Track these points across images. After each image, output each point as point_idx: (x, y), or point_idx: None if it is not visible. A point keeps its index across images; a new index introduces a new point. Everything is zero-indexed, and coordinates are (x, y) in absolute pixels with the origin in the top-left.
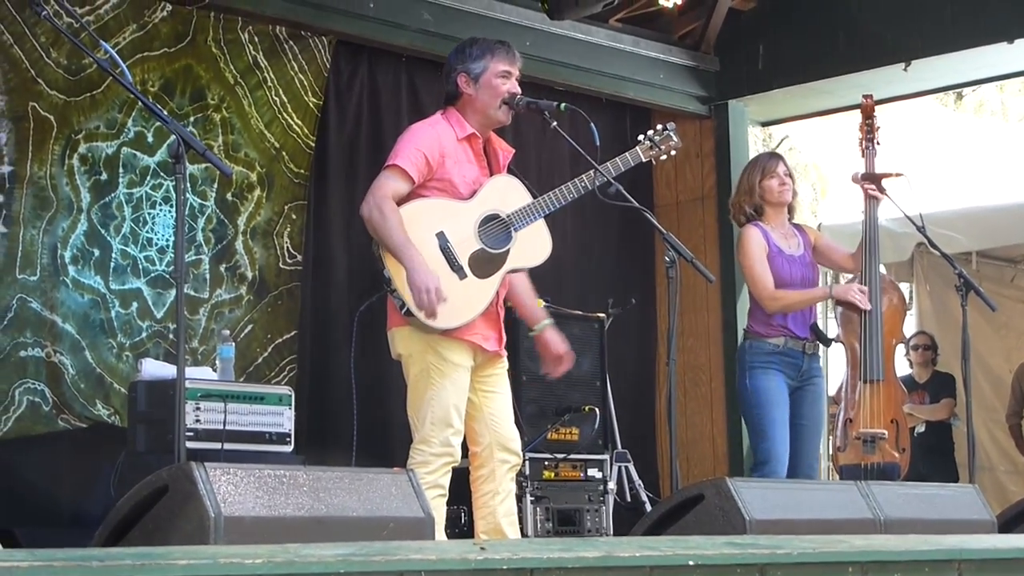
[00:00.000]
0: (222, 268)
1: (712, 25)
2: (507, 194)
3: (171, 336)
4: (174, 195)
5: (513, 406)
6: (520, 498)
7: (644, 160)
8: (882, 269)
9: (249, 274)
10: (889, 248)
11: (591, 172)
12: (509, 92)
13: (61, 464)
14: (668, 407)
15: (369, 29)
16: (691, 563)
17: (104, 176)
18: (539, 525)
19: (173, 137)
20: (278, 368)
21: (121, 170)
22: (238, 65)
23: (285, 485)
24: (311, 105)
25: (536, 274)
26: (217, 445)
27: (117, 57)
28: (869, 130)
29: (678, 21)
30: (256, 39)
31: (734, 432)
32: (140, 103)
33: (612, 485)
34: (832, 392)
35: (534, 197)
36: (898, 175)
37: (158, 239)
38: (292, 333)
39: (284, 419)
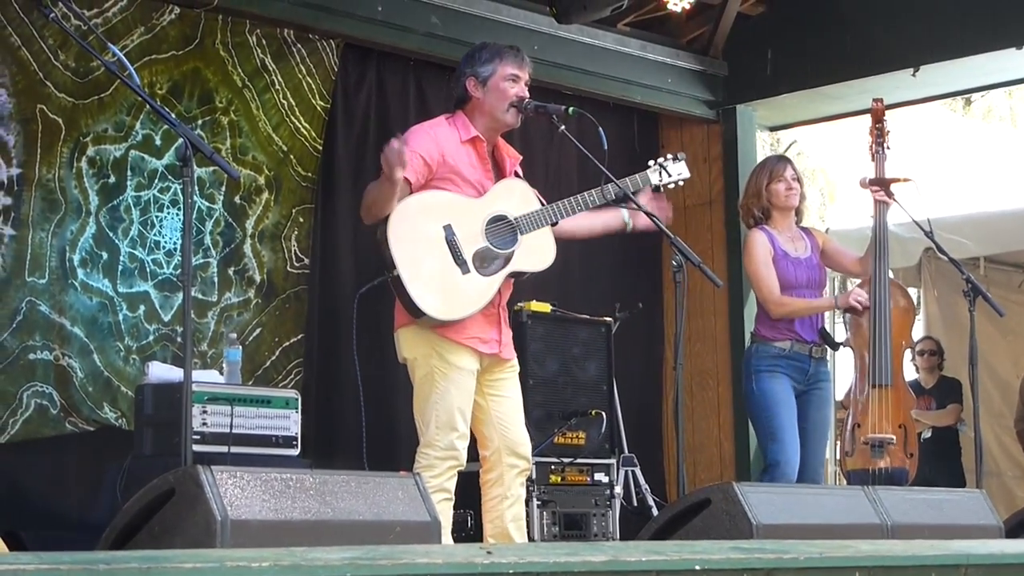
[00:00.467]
0: (230, 271)
1: (720, 29)
2: (516, 197)
3: (179, 339)
4: (182, 198)
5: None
6: (527, 502)
7: (654, 185)
8: (890, 274)
9: (257, 277)
10: (897, 253)
11: (602, 186)
12: (517, 96)
13: (68, 467)
14: (675, 411)
15: (377, 32)
16: (697, 568)
17: (112, 179)
18: (545, 529)
19: (181, 140)
20: (285, 371)
21: (129, 173)
22: (246, 68)
23: (291, 489)
24: (319, 108)
25: (543, 278)
26: (224, 448)
27: (125, 60)
28: (879, 134)
29: (686, 25)
30: (264, 42)
31: (741, 437)
32: (148, 106)
33: (619, 489)
34: (840, 397)
35: (542, 204)
36: (906, 180)
37: (166, 242)
38: (299, 336)
39: (291, 422)
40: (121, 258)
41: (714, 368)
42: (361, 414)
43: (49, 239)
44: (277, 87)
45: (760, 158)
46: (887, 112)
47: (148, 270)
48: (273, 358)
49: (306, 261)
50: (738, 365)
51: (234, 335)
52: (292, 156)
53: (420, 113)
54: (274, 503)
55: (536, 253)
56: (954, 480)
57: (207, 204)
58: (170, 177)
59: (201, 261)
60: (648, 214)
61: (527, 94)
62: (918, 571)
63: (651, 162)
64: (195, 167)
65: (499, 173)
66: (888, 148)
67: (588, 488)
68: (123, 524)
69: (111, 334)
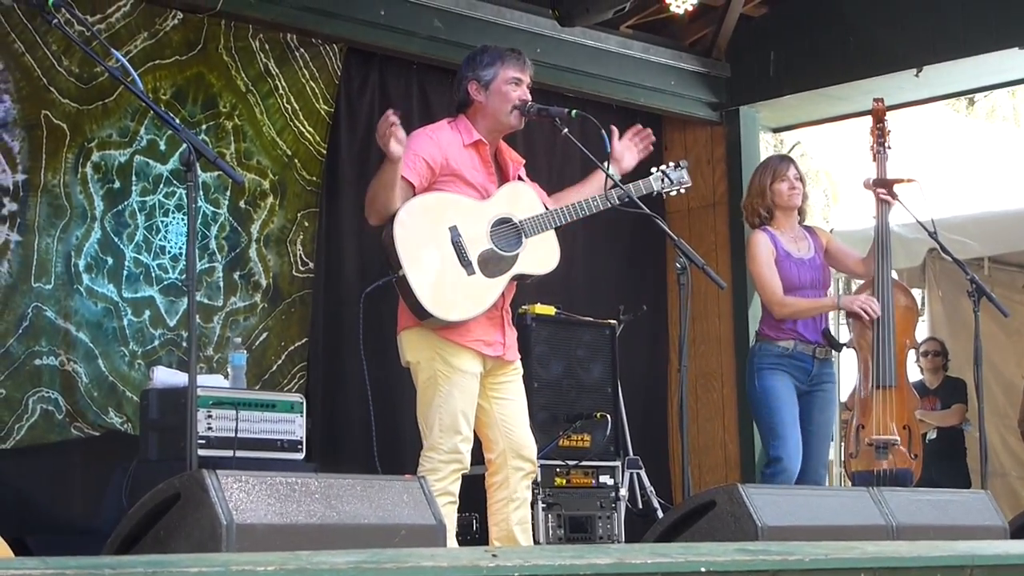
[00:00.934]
0: (236, 276)
1: (723, 31)
2: (521, 201)
3: (184, 344)
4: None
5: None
6: (532, 505)
7: (656, 191)
8: (894, 275)
9: (263, 282)
10: (901, 254)
11: (607, 191)
12: (519, 99)
13: (73, 472)
14: (680, 413)
15: (380, 36)
16: (703, 569)
17: (117, 184)
18: (551, 532)
19: (185, 145)
20: (290, 375)
21: (134, 178)
22: (249, 73)
23: (297, 492)
24: (322, 112)
25: (547, 280)
26: (229, 453)
27: (128, 65)
28: (880, 134)
29: (689, 27)
30: (267, 47)
31: (746, 438)
32: (152, 111)
33: (624, 492)
34: (844, 398)
35: (546, 208)
36: (910, 181)
37: (171, 247)
38: (304, 340)
39: (296, 426)
40: (126, 263)
41: (719, 370)
42: (370, 415)
43: (55, 245)
44: (281, 91)
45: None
46: (889, 112)
47: (153, 275)
48: (279, 362)
49: (311, 265)
50: (742, 367)
51: (239, 339)
52: (296, 160)
53: (423, 117)
54: (279, 507)
55: (540, 256)
56: (959, 481)
57: (212, 209)
58: (175, 182)
59: (207, 266)
60: (651, 215)
61: (529, 97)
62: (923, 572)
63: (654, 169)
64: (199, 172)
65: (502, 176)
66: (889, 148)
67: (593, 491)
68: (128, 529)
69: (116, 339)
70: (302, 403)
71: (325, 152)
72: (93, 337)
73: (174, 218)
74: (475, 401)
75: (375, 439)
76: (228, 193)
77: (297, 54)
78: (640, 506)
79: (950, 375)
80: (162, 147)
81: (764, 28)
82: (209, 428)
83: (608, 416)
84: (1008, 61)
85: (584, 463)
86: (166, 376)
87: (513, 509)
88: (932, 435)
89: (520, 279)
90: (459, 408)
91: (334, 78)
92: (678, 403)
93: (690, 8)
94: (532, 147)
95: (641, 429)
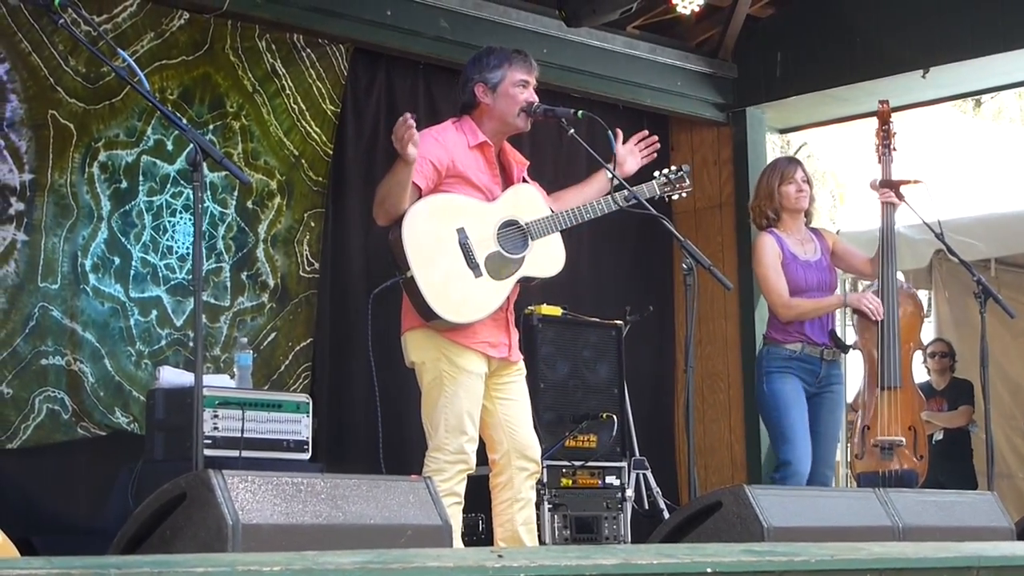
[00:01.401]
0: (243, 276)
1: (730, 32)
2: (527, 203)
3: (191, 344)
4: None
5: (531, 414)
6: (538, 505)
7: (658, 195)
8: (900, 276)
9: (271, 282)
10: (908, 255)
11: (613, 194)
12: (527, 100)
13: (79, 472)
14: (686, 414)
15: (386, 36)
16: (709, 570)
17: (124, 184)
18: (557, 532)
19: (192, 145)
20: (296, 376)
21: (141, 178)
22: (256, 73)
23: (303, 493)
24: (329, 113)
25: (554, 281)
26: (235, 453)
27: (135, 65)
28: (885, 136)
29: (695, 28)
30: (274, 47)
31: (752, 439)
32: (159, 111)
33: (630, 492)
34: (850, 399)
35: (552, 210)
36: (916, 182)
37: (178, 247)
38: (309, 340)
39: (302, 427)
40: (133, 263)
41: (725, 371)
42: (377, 415)
43: (61, 244)
44: (287, 92)
45: (770, 160)
46: (896, 113)
47: (160, 275)
48: (287, 362)
49: (317, 265)
50: (749, 368)
51: (245, 339)
52: (304, 160)
53: (430, 117)
54: (285, 507)
55: (547, 259)
56: (965, 482)
57: (219, 209)
58: (182, 182)
59: (214, 266)
60: (657, 216)
61: (536, 98)
62: (929, 573)
63: (656, 173)
64: (206, 172)
65: (506, 177)
66: (895, 150)
67: (599, 491)
68: (134, 529)
69: (123, 339)
70: (308, 403)
71: (331, 153)
72: (100, 337)
73: (181, 218)
74: (480, 402)
75: (381, 440)
76: (235, 193)
77: (304, 54)
78: (646, 507)
79: (957, 376)
80: (169, 147)
81: (771, 29)
82: (215, 428)
83: (614, 417)
84: (1015, 62)
85: (590, 464)
86: (172, 376)
87: (518, 509)
88: (938, 436)
89: (526, 282)
90: (464, 409)
91: (340, 78)
92: (684, 404)
93: (697, 9)
94: (538, 148)
95: (647, 430)
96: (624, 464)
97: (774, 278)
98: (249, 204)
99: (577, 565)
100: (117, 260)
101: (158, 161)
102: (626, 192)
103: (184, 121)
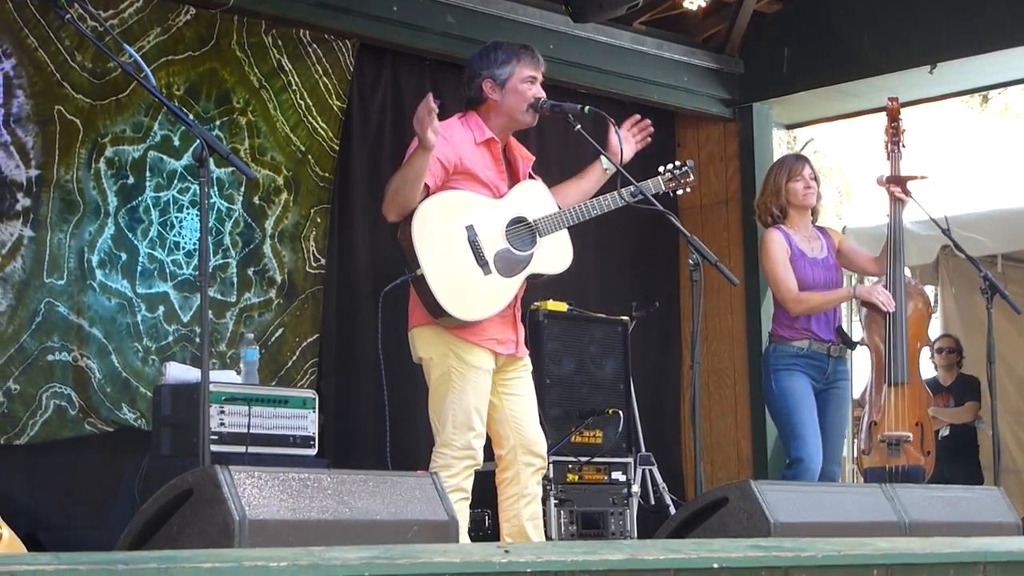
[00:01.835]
0: (250, 272)
1: (736, 27)
2: (534, 199)
3: (197, 340)
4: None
5: (537, 409)
6: (544, 501)
7: (663, 190)
8: (907, 272)
9: (278, 278)
10: (914, 251)
11: (620, 190)
12: (534, 96)
13: (86, 468)
14: (692, 410)
15: (392, 32)
16: (715, 566)
17: (131, 180)
18: (563, 528)
19: (198, 141)
20: (303, 371)
21: (148, 174)
22: (262, 68)
23: (309, 488)
24: (335, 108)
25: (560, 277)
26: (241, 448)
27: (141, 61)
28: (894, 133)
29: (702, 24)
30: (280, 42)
31: (758, 435)
32: (165, 107)
33: (636, 488)
34: (857, 395)
35: (559, 206)
36: (923, 178)
37: (185, 243)
38: (316, 336)
39: (308, 422)
40: (140, 259)
41: (731, 366)
42: (385, 413)
43: (68, 240)
44: (294, 87)
45: (776, 156)
46: (903, 109)
47: (168, 271)
48: (294, 358)
49: (323, 261)
50: (755, 363)
51: (251, 335)
52: (310, 156)
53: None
54: (292, 503)
55: (554, 255)
56: (972, 477)
57: (226, 205)
58: (189, 178)
59: (220, 262)
60: (663, 212)
61: (543, 94)
62: (936, 569)
63: (661, 168)
64: (213, 168)
65: (512, 173)
66: (904, 147)
67: (605, 487)
68: (141, 524)
69: (130, 335)
70: (314, 399)
71: (338, 148)
72: (107, 333)
73: (189, 214)
74: (488, 397)
75: (388, 438)
76: (242, 189)
77: (310, 50)
78: (652, 502)
79: (964, 372)
80: (176, 143)
81: (777, 24)
82: (222, 424)
83: (620, 412)
84: (1022, 58)
85: (596, 459)
86: (179, 372)
87: (524, 505)
88: (945, 432)
89: (533, 278)
90: (472, 404)
91: (347, 74)
92: (690, 399)
93: (703, 4)
94: (545, 144)
95: (653, 425)
96: (630, 460)
97: (783, 273)
98: (256, 200)
99: (583, 560)
100: (124, 256)
101: (165, 157)
102: (632, 188)
103: (190, 117)
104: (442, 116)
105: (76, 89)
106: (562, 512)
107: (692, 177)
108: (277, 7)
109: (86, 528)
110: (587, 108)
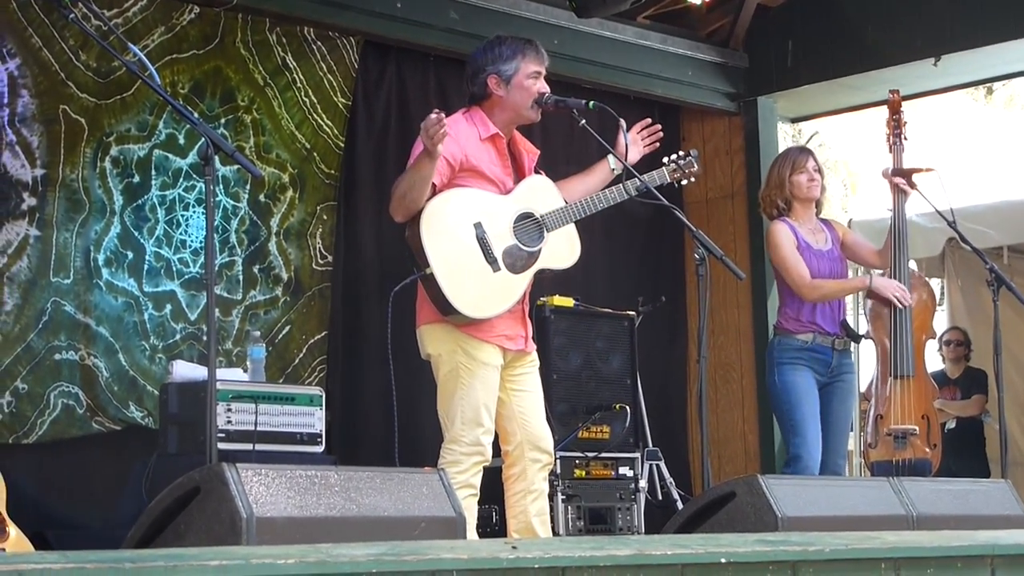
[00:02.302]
0: (255, 269)
1: (740, 21)
2: (541, 195)
3: (204, 338)
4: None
5: (544, 405)
6: (551, 497)
7: (668, 182)
8: (913, 265)
9: (284, 275)
10: (920, 243)
11: (625, 183)
12: (539, 92)
13: (94, 467)
14: (699, 405)
15: (396, 29)
16: (723, 560)
17: (136, 178)
18: (570, 524)
19: (203, 139)
20: (310, 369)
21: (153, 172)
22: (267, 66)
23: (316, 485)
24: (340, 105)
25: (566, 272)
26: (248, 446)
27: (145, 60)
28: (896, 125)
29: (706, 18)
30: (284, 40)
31: (765, 429)
32: (170, 105)
33: (643, 483)
34: (863, 389)
35: (566, 201)
36: (929, 170)
37: (191, 241)
38: (324, 333)
39: (315, 419)
40: (147, 257)
41: (738, 361)
42: (393, 411)
43: (74, 239)
44: (299, 85)
45: (782, 150)
46: (907, 102)
47: (174, 269)
48: (301, 355)
49: (330, 258)
50: (762, 358)
51: (258, 333)
52: (315, 153)
53: (440, 109)
54: (299, 500)
55: (562, 251)
56: (978, 471)
57: (232, 203)
58: (195, 176)
59: (226, 260)
60: (669, 207)
61: (548, 89)
62: (944, 562)
63: (665, 159)
64: (218, 166)
65: (517, 168)
66: (905, 139)
67: (613, 482)
68: (149, 523)
69: (136, 333)
70: (321, 396)
71: (343, 145)
72: (113, 331)
73: (194, 212)
74: (496, 394)
75: (397, 435)
76: (248, 187)
77: (314, 47)
78: (660, 497)
79: (971, 366)
80: (181, 141)
81: (782, 18)
82: (229, 422)
83: (627, 407)
84: None
85: (603, 455)
86: (185, 370)
87: (531, 501)
88: (951, 425)
89: (541, 274)
90: (481, 401)
91: (351, 71)
92: (697, 394)
93: None
94: (549, 139)
95: (660, 420)
96: (637, 455)
97: (794, 260)
98: (261, 197)
99: (591, 556)
100: (130, 254)
101: (170, 155)
102: (638, 183)
103: (195, 115)
104: (446, 112)
105: (81, 88)
106: (569, 508)
107: (696, 167)
108: (281, 5)
109: (93, 526)
110: (592, 103)
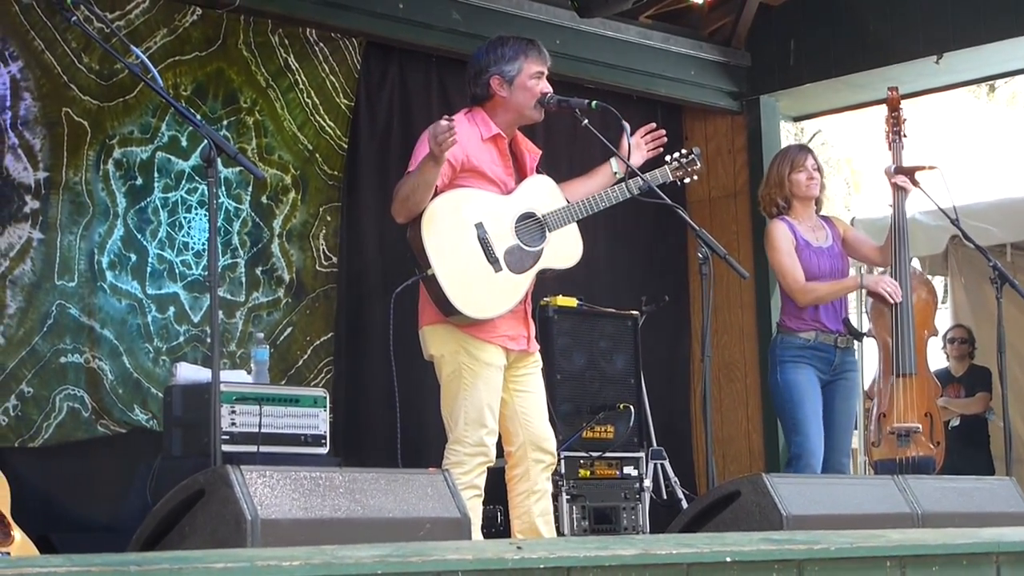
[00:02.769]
0: (258, 271)
1: (743, 20)
2: (542, 194)
3: (208, 340)
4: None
5: (548, 405)
6: (556, 497)
7: (671, 180)
8: (916, 263)
9: (287, 277)
10: (923, 241)
11: (628, 181)
12: (542, 92)
13: (98, 469)
14: (703, 404)
15: (399, 30)
16: (728, 559)
17: (139, 181)
18: (575, 524)
19: (206, 141)
20: (316, 370)
21: (156, 175)
22: (269, 68)
23: (321, 487)
24: (343, 106)
25: (569, 272)
26: (253, 448)
27: (148, 62)
28: (895, 123)
29: (708, 17)
30: (287, 42)
31: (770, 428)
32: (173, 108)
33: (648, 483)
34: (866, 387)
35: (567, 201)
36: (931, 168)
37: (194, 243)
38: (329, 335)
39: (319, 421)
40: (150, 260)
41: (742, 360)
42: (396, 412)
43: (77, 242)
44: (301, 86)
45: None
46: (909, 100)
47: (177, 271)
48: (305, 357)
49: (334, 259)
50: (765, 356)
51: (261, 335)
52: (318, 155)
53: (443, 109)
54: (304, 502)
55: (564, 250)
56: (982, 468)
57: (234, 205)
58: (197, 178)
59: (229, 261)
60: (672, 205)
61: (550, 89)
62: (949, 560)
63: (668, 157)
64: (220, 168)
65: (519, 168)
66: (905, 136)
67: (617, 482)
68: (153, 525)
69: (140, 336)
70: (325, 397)
71: (346, 146)
72: (118, 334)
73: (197, 214)
74: (499, 394)
75: (400, 437)
76: (250, 188)
77: (316, 48)
78: (664, 497)
79: (975, 363)
80: (184, 143)
81: (783, 17)
82: (233, 424)
83: (631, 407)
84: None
85: (608, 454)
86: (189, 372)
87: (535, 501)
88: (955, 423)
89: (544, 273)
90: (484, 401)
91: (354, 72)
92: (701, 393)
93: None
94: (552, 139)
95: (664, 420)
96: (642, 454)
97: (789, 263)
98: (264, 199)
99: (596, 556)
100: (134, 257)
101: (173, 157)
102: (641, 182)
103: (198, 117)
104: (448, 112)
105: (83, 91)
106: (574, 507)
107: (699, 165)
108: (283, 6)
109: (98, 530)
110: (594, 103)
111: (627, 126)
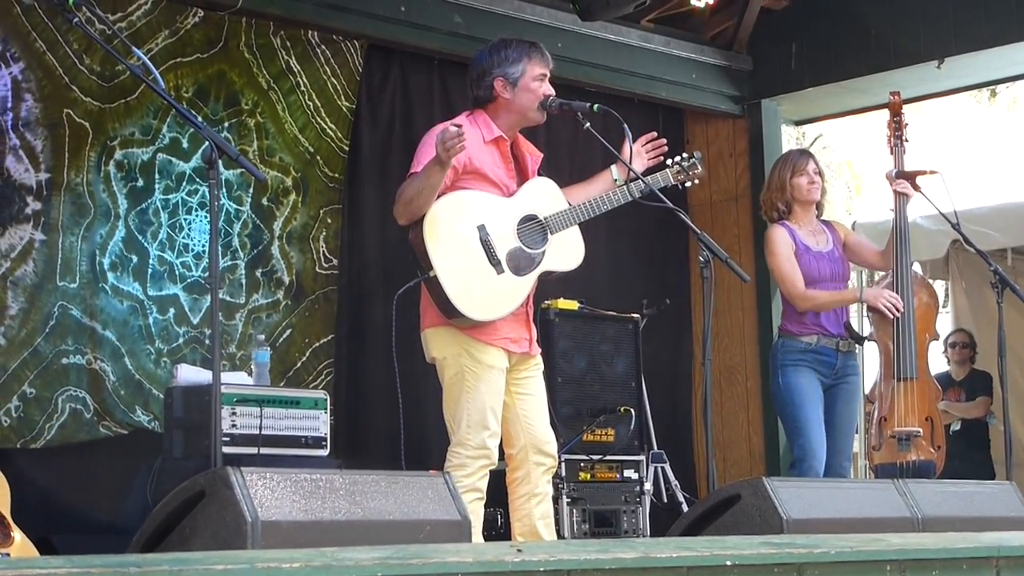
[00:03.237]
0: (258, 273)
1: (744, 24)
2: (544, 197)
3: (208, 341)
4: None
5: (549, 408)
6: (556, 500)
7: (672, 184)
8: (917, 267)
9: (286, 279)
10: (924, 245)
11: (629, 185)
12: (544, 94)
13: (98, 471)
14: (704, 407)
15: (400, 32)
16: (728, 563)
17: (140, 182)
18: (575, 527)
19: (207, 143)
20: (316, 372)
21: (157, 176)
22: (271, 70)
23: (321, 489)
24: (344, 109)
25: (570, 275)
26: (253, 450)
27: (149, 63)
28: (897, 127)
29: (710, 21)
30: (288, 44)
31: (770, 432)
32: (174, 109)
33: (648, 486)
34: (867, 391)
35: (569, 203)
36: (932, 172)
37: (195, 245)
38: (329, 337)
39: (320, 423)
40: (150, 261)
41: (743, 363)
42: (399, 414)
43: (79, 243)
44: (302, 88)
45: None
46: (911, 104)
47: (177, 273)
48: (304, 359)
49: (335, 262)
50: (766, 360)
51: (262, 336)
52: (319, 157)
53: (445, 112)
54: (304, 504)
55: (566, 253)
56: (983, 472)
57: (235, 206)
58: (198, 180)
59: (229, 263)
60: (673, 209)
61: (553, 91)
62: (949, 564)
63: (669, 161)
64: (222, 170)
65: (520, 170)
66: (907, 141)
67: (618, 485)
68: (154, 527)
69: (142, 337)
70: (326, 399)
71: (347, 149)
72: (119, 335)
73: (197, 216)
74: (502, 397)
75: (403, 439)
76: (251, 190)
77: (318, 51)
78: (665, 500)
79: (976, 368)
80: (185, 145)
81: (785, 21)
82: (233, 425)
83: (632, 410)
84: None
85: (608, 457)
86: (190, 374)
87: (535, 504)
88: (956, 427)
89: (545, 276)
90: (487, 404)
91: (355, 74)
92: (702, 397)
93: (711, 1)
94: (554, 142)
95: (665, 423)
96: (642, 458)
97: (788, 269)
98: (264, 201)
99: (596, 559)
100: (135, 258)
101: (174, 159)
102: (643, 186)
103: (199, 119)
104: (450, 115)
105: (85, 92)
106: (574, 510)
107: (700, 169)
108: (285, 8)
109: (99, 531)
110: (596, 106)
111: (629, 133)
